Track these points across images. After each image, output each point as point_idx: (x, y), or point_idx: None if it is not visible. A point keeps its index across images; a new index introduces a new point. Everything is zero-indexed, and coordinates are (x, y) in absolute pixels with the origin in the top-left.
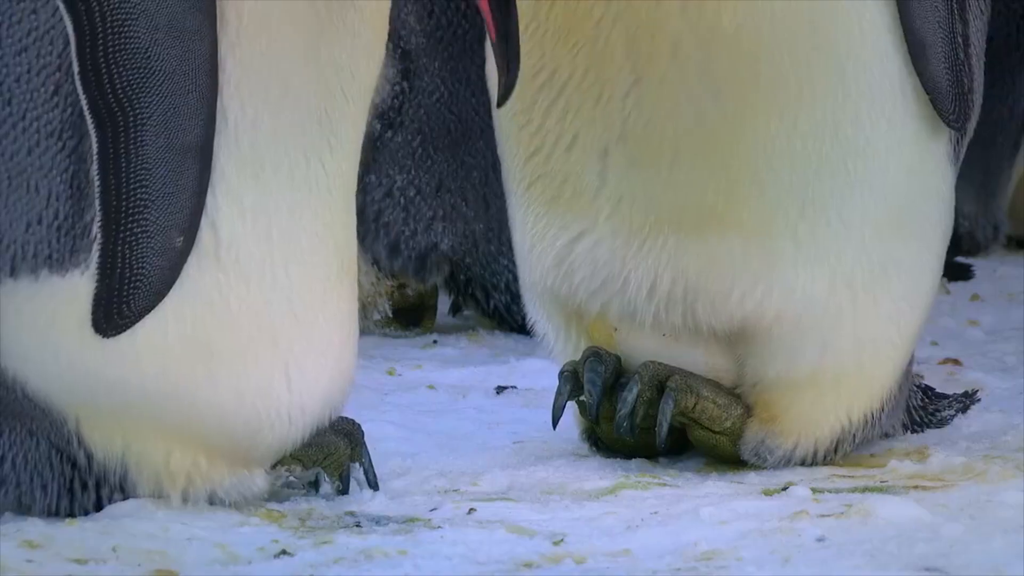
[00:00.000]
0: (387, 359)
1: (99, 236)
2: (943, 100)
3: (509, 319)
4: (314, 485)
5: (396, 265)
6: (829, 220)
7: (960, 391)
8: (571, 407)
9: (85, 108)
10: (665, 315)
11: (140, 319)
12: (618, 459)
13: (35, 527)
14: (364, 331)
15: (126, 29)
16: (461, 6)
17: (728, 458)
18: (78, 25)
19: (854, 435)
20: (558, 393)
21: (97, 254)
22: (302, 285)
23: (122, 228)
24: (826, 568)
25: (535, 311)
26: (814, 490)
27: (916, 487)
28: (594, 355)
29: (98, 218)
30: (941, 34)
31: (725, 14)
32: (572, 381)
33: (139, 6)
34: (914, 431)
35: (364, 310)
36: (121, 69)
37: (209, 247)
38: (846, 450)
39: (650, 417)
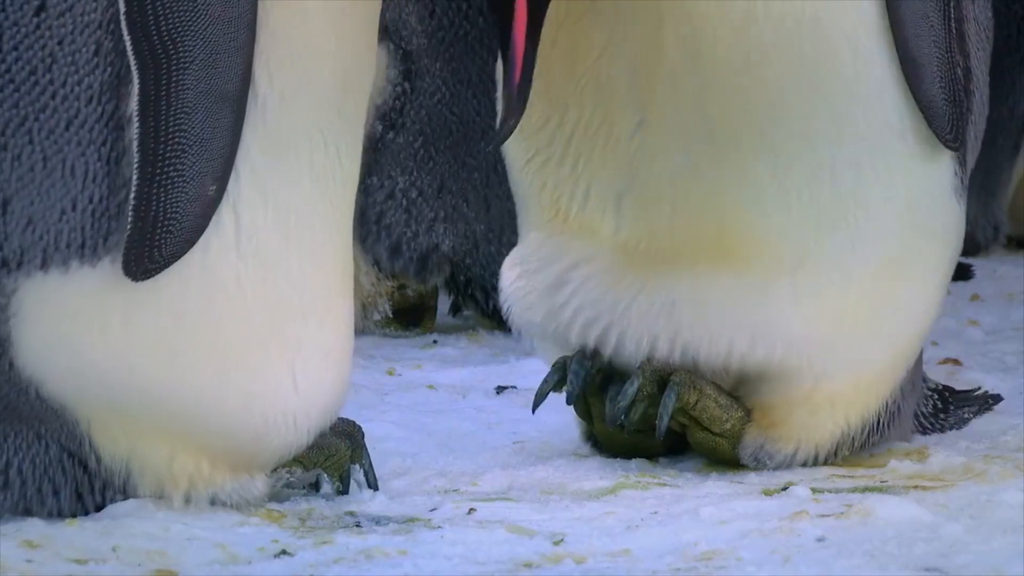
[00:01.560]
0: (387, 359)
1: (135, 179)
2: (939, 120)
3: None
4: (314, 485)
5: (397, 266)
6: (828, 270)
7: (961, 390)
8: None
9: (129, 49)
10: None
11: (169, 265)
12: (618, 459)
13: (35, 527)
14: (364, 331)
15: None
16: (463, 7)
17: (728, 461)
18: None
19: (853, 439)
20: (544, 381)
21: (132, 196)
22: (314, 281)
23: (158, 172)
24: (826, 568)
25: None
26: (814, 490)
27: (916, 487)
28: (583, 348)
29: (135, 161)
30: (936, 53)
31: (720, 43)
32: (560, 371)
33: None
34: (926, 434)
35: (364, 310)
36: (167, 10)
37: (229, 234)
38: (845, 454)
39: (649, 417)
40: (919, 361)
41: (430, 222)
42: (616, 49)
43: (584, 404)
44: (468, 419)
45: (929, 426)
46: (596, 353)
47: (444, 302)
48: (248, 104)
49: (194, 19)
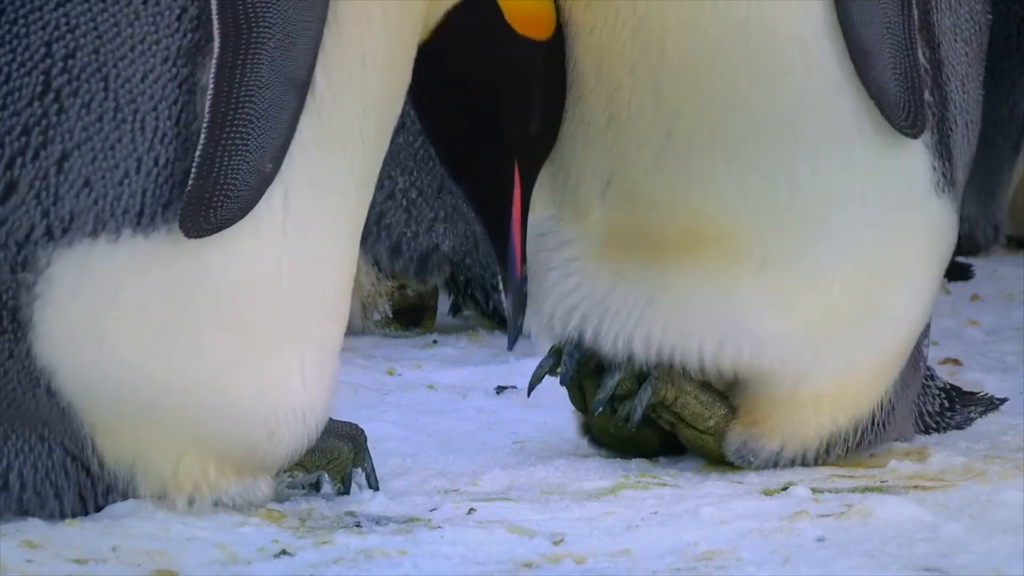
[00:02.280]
0: (387, 359)
1: (202, 140)
2: (891, 106)
3: None
4: (315, 486)
5: (397, 266)
6: (794, 272)
7: (967, 392)
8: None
9: (214, 15)
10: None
11: (221, 229)
12: (618, 459)
13: (35, 527)
14: (364, 331)
15: None
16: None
17: (716, 458)
18: None
19: (846, 439)
20: (539, 365)
21: (197, 155)
22: (337, 277)
23: (224, 137)
24: (826, 568)
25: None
26: (814, 490)
27: (916, 487)
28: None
29: (205, 123)
30: (889, 39)
31: (669, 39)
32: (556, 355)
33: None
34: (929, 433)
35: (364, 310)
36: None
37: (278, 215)
38: (839, 454)
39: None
40: (922, 359)
41: (430, 222)
42: (584, 41)
43: (579, 390)
44: (468, 419)
45: (934, 425)
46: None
47: (444, 302)
48: (307, 95)
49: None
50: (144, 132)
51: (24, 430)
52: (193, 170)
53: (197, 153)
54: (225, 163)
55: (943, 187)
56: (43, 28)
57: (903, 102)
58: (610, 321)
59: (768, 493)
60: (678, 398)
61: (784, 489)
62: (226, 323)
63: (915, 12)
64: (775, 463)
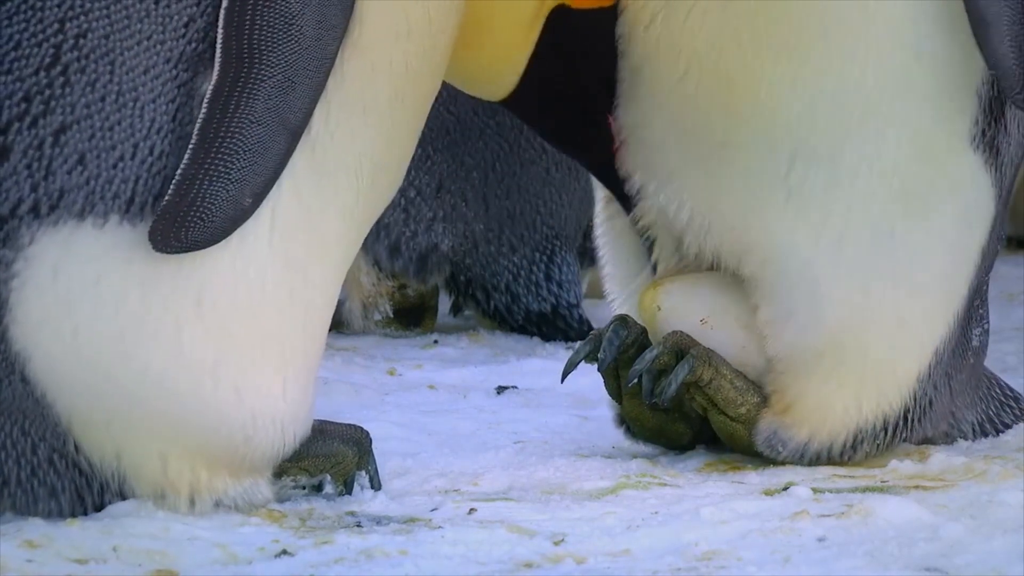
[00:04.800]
0: (388, 359)
1: (187, 156)
2: (1008, 79)
3: (509, 319)
4: (317, 488)
5: (397, 266)
6: (819, 172)
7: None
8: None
9: (218, 41)
10: (691, 243)
11: (190, 250)
12: (619, 459)
13: (35, 527)
14: (365, 331)
15: None
16: None
17: (746, 450)
18: None
19: (876, 436)
20: (575, 352)
21: (179, 171)
22: (320, 298)
23: (209, 161)
24: (826, 568)
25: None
26: (815, 490)
27: (917, 487)
28: (620, 320)
29: (195, 136)
30: (1007, 10)
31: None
32: (593, 343)
33: None
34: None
35: (365, 310)
36: (264, 22)
37: (264, 229)
38: (868, 451)
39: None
40: (972, 361)
41: (429, 222)
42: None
43: (615, 378)
44: (469, 419)
45: (991, 430)
46: (633, 324)
47: (444, 302)
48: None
49: (283, 43)
50: (143, 120)
51: (5, 423)
52: (172, 186)
53: (179, 171)
54: (204, 187)
55: (979, 143)
56: (58, 6)
57: (1019, 74)
58: (672, 202)
59: (769, 493)
60: (713, 380)
61: (785, 489)
62: (207, 324)
63: None
64: (802, 455)
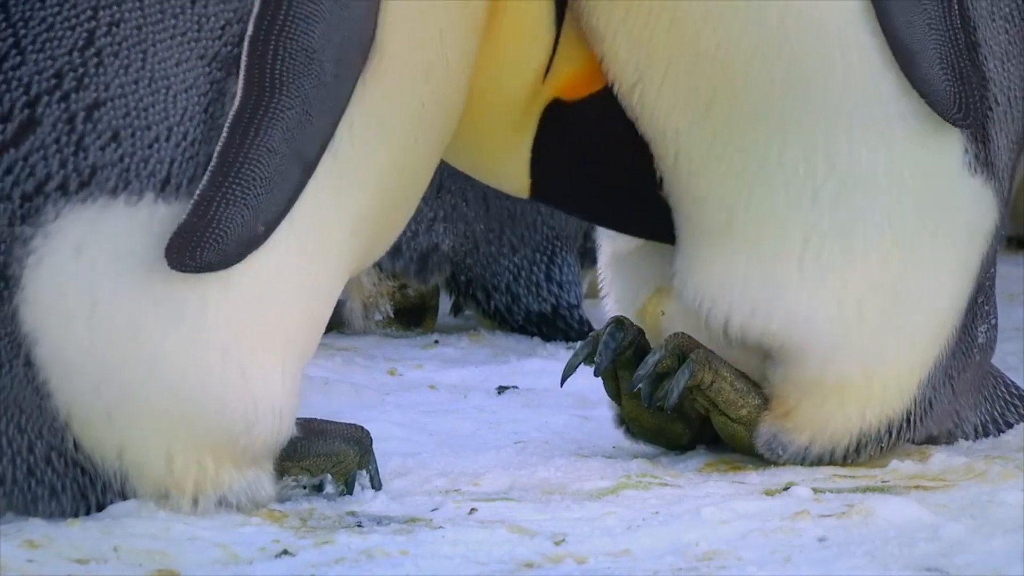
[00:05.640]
0: (388, 359)
1: (206, 177)
2: (941, 103)
3: (510, 319)
4: (317, 487)
5: (397, 266)
6: (832, 249)
7: None
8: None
9: (242, 68)
10: (712, 326)
11: (202, 271)
12: (619, 459)
13: (36, 527)
14: (365, 331)
15: (305, 24)
16: None
17: (747, 450)
18: None
19: (879, 438)
20: (574, 354)
21: (198, 190)
22: (326, 288)
23: (226, 186)
24: (827, 568)
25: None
26: (815, 490)
27: (917, 487)
28: (616, 322)
29: (214, 159)
30: (933, 35)
31: (704, 35)
32: (591, 345)
33: (324, 14)
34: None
35: (365, 310)
36: (286, 54)
37: (284, 225)
38: (871, 453)
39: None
40: (978, 359)
41: (429, 222)
42: (619, 31)
43: (614, 379)
44: (469, 419)
45: (995, 430)
46: (630, 326)
47: (445, 302)
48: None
49: (304, 74)
50: (176, 107)
51: (1, 420)
52: (190, 207)
53: (197, 191)
54: (221, 211)
55: (976, 168)
56: None
57: (953, 95)
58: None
59: (769, 493)
60: (714, 382)
61: (785, 489)
62: (231, 306)
63: (955, 3)
64: (803, 458)
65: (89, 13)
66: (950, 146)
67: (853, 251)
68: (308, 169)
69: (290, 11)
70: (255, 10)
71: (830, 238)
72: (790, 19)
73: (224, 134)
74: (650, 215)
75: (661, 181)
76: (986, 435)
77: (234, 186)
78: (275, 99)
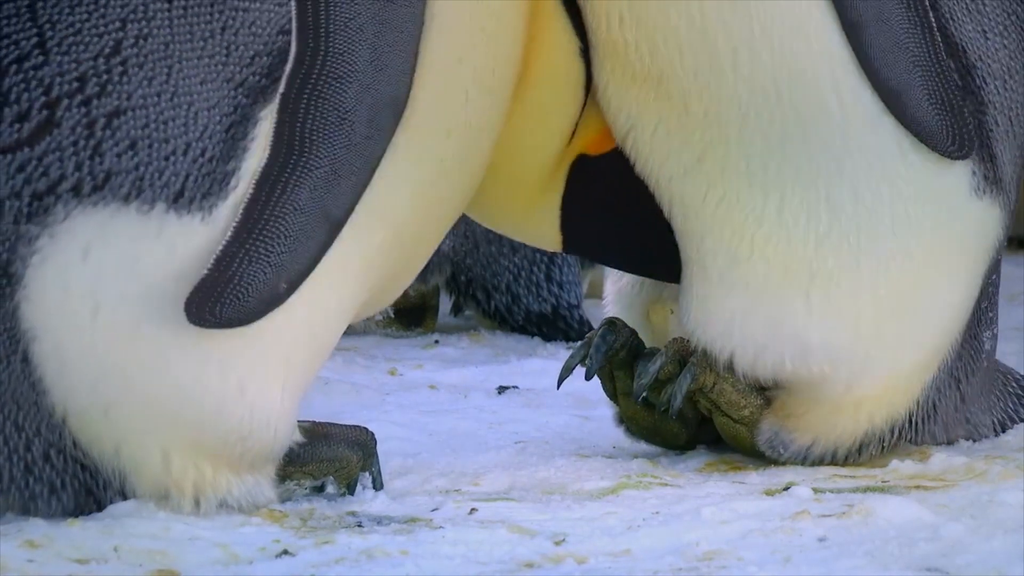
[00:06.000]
0: (388, 359)
1: (231, 231)
2: (933, 138)
3: (510, 319)
4: (319, 489)
5: None
6: (840, 288)
7: None
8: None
9: (272, 126)
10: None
11: (221, 327)
12: (619, 459)
13: (36, 527)
14: (365, 331)
15: (338, 84)
16: None
17: (749, 450)
18: (300, 54)
19: (882, 439)
20: (571, 356)
21: (222, 245)
22: (334, 321)
23: (251, 242)
24: (827, 568)
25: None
26: (815, 490)
27: (917, 487)
28: (609, 323)
29: (239, 215)
30: (918, 72)
31: (692, 99)
32: (585, 348)
33: (359, 75)
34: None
35: None
36: (318, 113)
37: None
38: (872, 454)
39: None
40: (984, 359)
41: None
42: (608, 84)
43: (610, 380)
44: (469, 419)
45: (1007, 426)
46: (622, 327)
47: (445, 302)
48: None
49: (335, 135)
50: (196, 124)
51: None
52: (212, 261)
53: (220, 246)
54: (244, 267)
55: (983, 189)
56: (122, 7)
57: (945, 129)
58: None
59: (769, 493)
60: (716, 384)
61: (785, 489)
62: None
63: (937, 35)
64: (805, 457)
65: (118, 24)
66: (957, 171)
67: (860, 282)
68: (334, 229)
69: (324, 70)
70: (288, 68)
71: (836, 273)
72: (782, 78)
73: (251, 190)
74: (677, 260)
75: None
76: (1004, 432)
77: (258, 243)
78: (303, 158)
